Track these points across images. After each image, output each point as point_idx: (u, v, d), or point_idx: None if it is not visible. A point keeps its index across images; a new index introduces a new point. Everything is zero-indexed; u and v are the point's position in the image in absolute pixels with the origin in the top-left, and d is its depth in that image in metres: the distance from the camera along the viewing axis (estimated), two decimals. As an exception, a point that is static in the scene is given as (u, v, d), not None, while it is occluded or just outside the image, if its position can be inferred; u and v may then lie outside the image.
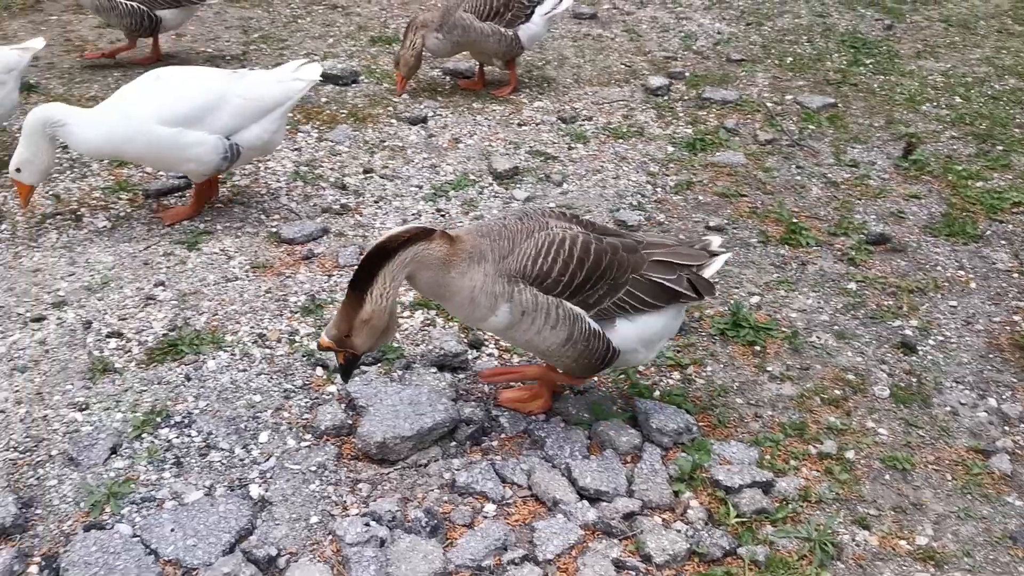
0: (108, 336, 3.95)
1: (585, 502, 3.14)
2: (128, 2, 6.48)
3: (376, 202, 5.20)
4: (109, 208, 5.02)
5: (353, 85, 6.86)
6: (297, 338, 3.98)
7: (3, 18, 8.03)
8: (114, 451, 3.27)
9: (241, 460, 3.28)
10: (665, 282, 3.27)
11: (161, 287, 4.31)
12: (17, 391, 3.61)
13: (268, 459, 3.27)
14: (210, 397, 3.59)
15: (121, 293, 4.26)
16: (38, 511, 3.04)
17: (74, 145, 4.58)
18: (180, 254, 4.60)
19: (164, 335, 3.96)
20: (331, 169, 5.57)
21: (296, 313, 4.15)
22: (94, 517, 3.00)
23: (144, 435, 3.36)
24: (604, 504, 3.14)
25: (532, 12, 6.49)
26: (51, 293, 4.24)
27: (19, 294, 4.23)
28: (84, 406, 3.52)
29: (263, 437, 3.38)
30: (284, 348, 3.92)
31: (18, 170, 4.56)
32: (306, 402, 3.59)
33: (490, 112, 6.44)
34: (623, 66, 7.37)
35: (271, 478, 3.18)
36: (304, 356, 3.85)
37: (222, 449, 3.32)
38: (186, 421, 3.44)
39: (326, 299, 4.26)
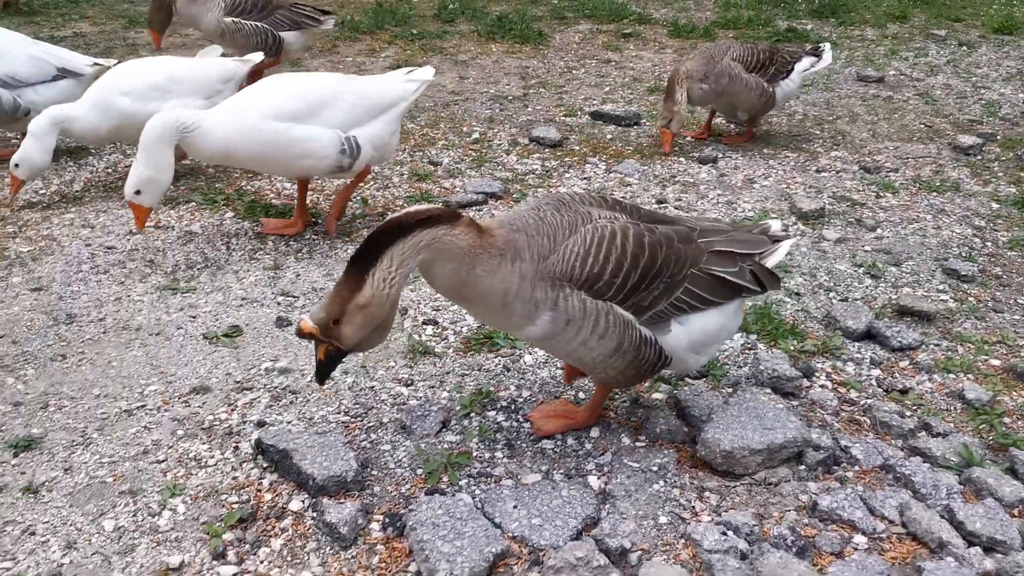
0: (424, 323, 3.93)
1: (977, 549, 2.66)
2: (254, 23, 6.79)
3: (673, 231, 4.99)
4: (412, 214, 5.12)
5: (635, 127, 6.80)
6: (612, 345, 3.77)
7: (305, 58, 8.71)
8: (444, 425, 3.16)
9: (575, 450, 3.06)
10: (727, 276, 2.85)
11: (470, 285, 4.27)
12: (343, 364, 3.61)
13: (603, 453, 3.03)
14: (532, 388, 3.43)
15: (428, 288, 4.25)
16: (373, 472, 2.95)
17: (198, 149, 4.24)
18: (484, 259, 4.57)
19: (479, 327, 3.88)
20: (622, 197, 5.45)
21: (607, 322, 3.96)
22: (432, 484, 2.86)
23: (472, 414, 3.23)
24: (999, 555, 2.65)
25: (792, 69, 6.19)
26: (367, 280, 4.30)
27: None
28: (409, 382, 3.46)
29: (594, 432, 3.15)
30: (600, 353, 3.72)
31: (138, 192, 4.22)
32: (629, 404, 3.35)
33: (783, 157, 6.14)
34: (923, 126, 6.88)
35: (609, 472, 2.94)
36: (623, 362, 3.64)
37: (553, 437, 3.12)
38: (512, 407, 3.29)
39: (636, 313, 4.05)
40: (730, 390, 3.45)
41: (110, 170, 5.71)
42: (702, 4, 11.79)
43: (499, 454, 3.03)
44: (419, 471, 2.94)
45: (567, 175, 5.79)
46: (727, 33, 9.99)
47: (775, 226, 3.09)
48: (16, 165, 4.80)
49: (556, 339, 2.73)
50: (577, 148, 6.28)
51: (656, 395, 3.42)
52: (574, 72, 8.40)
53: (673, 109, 6.07)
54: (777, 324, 3.91)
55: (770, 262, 2.98)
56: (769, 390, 3.44)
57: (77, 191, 5.34)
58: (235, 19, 6.83)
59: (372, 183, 5.55)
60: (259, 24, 6.86)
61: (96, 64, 5.75)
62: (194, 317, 3.96)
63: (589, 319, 2.69)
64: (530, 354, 3.68)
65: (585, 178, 5.75)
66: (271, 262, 4.48)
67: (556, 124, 6.78)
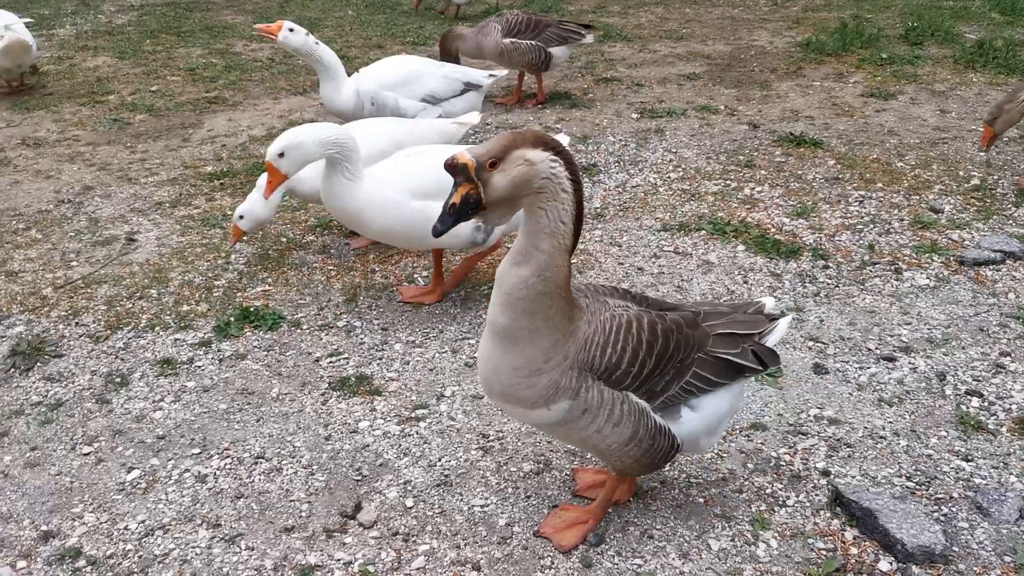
0: (967, 393, 3.92)
1: None
2: (528, 42, 7.64)
3: None
4: (924, 268, 5.08)
5: None
6: None
7: (772, 80, 8.87)
8: (1022, 514, 3.17)
9: None
10: (732, 358, 2.90)
11: (1008, 357, 4.17)
12: (891, 422, 3.75)
13: None
14: (1111, 491, 3.31)
15: (965, 354, 4.22)
16: (954, 548, 3.06)
17: (333, 203, 4.32)
18: (1017, 328, 4.43)
19: (1030, 408, 3.80)
20: None
21: None
22: (1022, 576, 2.92)
23: (1052, 509, 3.21)
24: None
25: None
26: (894, 336, 4.39)
27: (862, 330, 4.45)
28: (968, 457, 3.51)
29: None
30: None
31: (281, 155, 4.20)
32: None
33: None
34: None
35: None
36: None
37: None
38: (1095, 509, 3.21)
39: None
40: None
41: (620, 188, 6.34)
42: None
43: (1092, 559, 2.99)
44: (1007, 558, 2.99)
45: None
46: None
47: (769, 304, 3.15)
48: (241, 217, 5.03)
49: (568, 426, 2.77)
50: (1089, 214, 5.77)
51: None
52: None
53: (1005, 106, 5.72)
54: None
55: (771, 341, 3.04)
56: None
57: (597, 207, 6.02)
58: (512, 39, 7.67)
59: (871, 227, 5.57)
60: (532, 42, 7.66)
61: (491, 75, 6.81)
62: (733, 350, 4.32)
63: (605, 408, 2.73)
64: (1098, 450, 3.54)
65: (1115, 245, 5.27)
66: (792, 303, 4.73)
67: (1070, 176, 6.26)
